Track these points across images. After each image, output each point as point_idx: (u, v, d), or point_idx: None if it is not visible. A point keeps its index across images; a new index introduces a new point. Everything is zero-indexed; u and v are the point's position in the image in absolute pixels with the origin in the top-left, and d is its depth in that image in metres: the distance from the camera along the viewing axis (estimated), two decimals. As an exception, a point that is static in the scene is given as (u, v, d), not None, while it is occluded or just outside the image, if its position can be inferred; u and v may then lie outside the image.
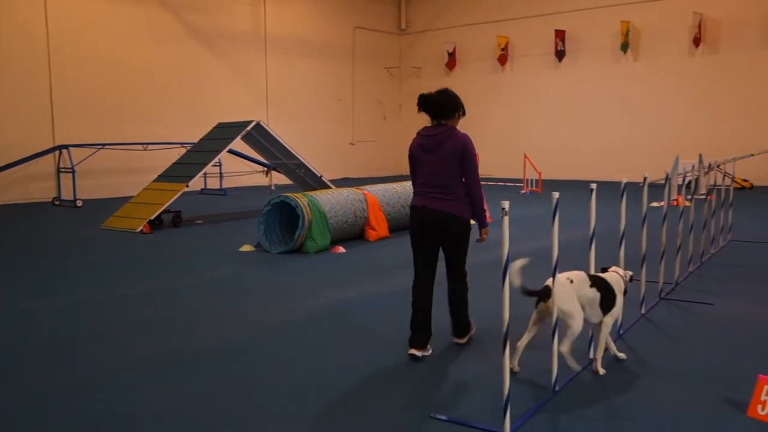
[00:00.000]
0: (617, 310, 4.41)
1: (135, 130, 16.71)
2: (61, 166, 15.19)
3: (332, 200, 9.18)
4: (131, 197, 12.17)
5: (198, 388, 4.10)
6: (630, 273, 4.65)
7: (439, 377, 4.26)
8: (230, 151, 12.37)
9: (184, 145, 15.60)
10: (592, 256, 4.51)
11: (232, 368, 4.45)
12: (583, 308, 4.17)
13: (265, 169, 14.53)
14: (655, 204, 12.70)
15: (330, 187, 12.08)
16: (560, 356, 3.98)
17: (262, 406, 3.83)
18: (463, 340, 4.91)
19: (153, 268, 7.95)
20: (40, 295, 6.52)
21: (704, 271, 7.35)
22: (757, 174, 17.73)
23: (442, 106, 4.71)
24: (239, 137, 12.04)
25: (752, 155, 16.18)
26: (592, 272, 4.43)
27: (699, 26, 18.50)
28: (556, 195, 3.81)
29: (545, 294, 4.05)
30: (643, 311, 5.62)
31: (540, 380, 4.10)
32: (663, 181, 6.19)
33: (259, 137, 12.79)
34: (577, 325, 4.07)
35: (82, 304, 6.17)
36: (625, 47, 19.86)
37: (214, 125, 13.15)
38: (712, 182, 8.62)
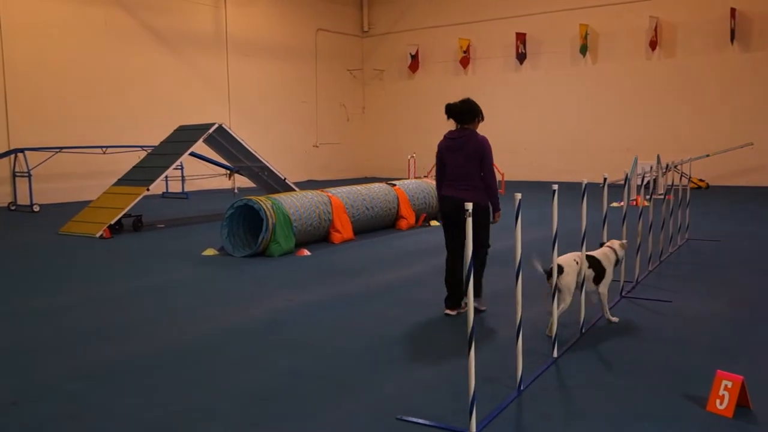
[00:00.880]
0: (607, 279, 5.37)
1: (93, 132, 16.38)
2: (17, 170, 14.79)
3: (296, 203, 9.13)
4: (90, 201, 11.92)
5: (155, 392, 4.03)
6: (624, 241, 5.60)
7: (405, 379, 4.26)
8: (192, 154, 12.20)
9: (145, 148, 15.35)
10: (554, 256, 4.57)
11: (191, 372, 4.39)
12: (583, 282, 5.14)
13: (228, 172, 14.38)
14: (615, 204, 12.93)
15: (294, 190, 12.02)
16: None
17: (221, 410, 3.78)
18: (483, 307, 5.79)
19: (113, 272, 7.80)
20: (-5, 303, 6.34)
21: (663, 270, 7.50)
22: (713, 174, 18.19)
23: (464, 114, 5.70)
24: (201, 140, 11.90)
25: (708, 156, 16.64)
26: (589, 252, 5.25)
27: (655, 30, 18.90)
28: (518, 196, 3.85)
29: (559, 271, 4.91)
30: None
31: (505, 380, 4.14)
32: (622, 182, 6.30)
33: (222, 140, 12.66)
34: (569, 299, 5.04)
35: (37, 311, 6.01)
36: (583, 50, 20.19)
37: (175, 128, 12.98)
38: (669, 182, 8.80)
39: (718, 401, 3.68)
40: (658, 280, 6.97)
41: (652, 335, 5.13)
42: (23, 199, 14.59)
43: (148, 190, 11.03)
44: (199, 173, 17.18)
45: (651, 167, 8.69)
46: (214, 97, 19.79)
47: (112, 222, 10.50)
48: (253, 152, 12.71)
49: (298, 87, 22.64)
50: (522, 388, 4.00)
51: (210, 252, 8.88)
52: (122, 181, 11.69)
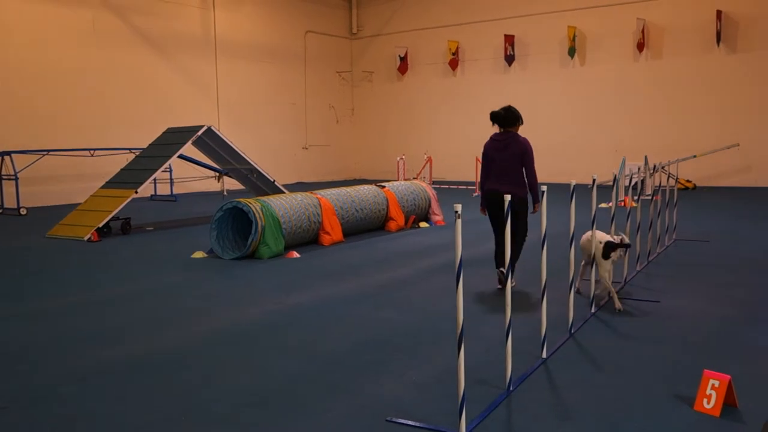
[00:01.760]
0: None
1: (81, 135, 16.30)
2: (3, 173, 14.66)
3: (286, 205, 9.12)
4: (78, 204, 11.86)
5: (147, 396, 4.02)
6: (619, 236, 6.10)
7: (394, 380, 4.26)
8: (181, 157, 12.16)
9: (133, 151, 15.28)
10: (543, 256, 4.59)
11: (182, 375, 4.37)
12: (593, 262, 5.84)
13: (217, 174, 14.34)
14: (603, 205, 13.00)
15: (283, 192, 12.00)
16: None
17: (213, 413, 3.77)
18: (513, 283, 6.32)
19: (101, 276, 7.76)
20: (-18, 307, 6.29)
21: (651, 270, 7.55)
22: (700, 175, 18.33)
23: (507, 119, 6.49)
24: (190, 142, 11.86)
25: (695, 156, 16.77)
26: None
27: (642, 32, 19.02)
28: (507, 197, 3.87)
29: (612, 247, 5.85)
30: (593, 310, 5.74)
31: (495, 381, 4.15)
32: (611, 183, 6.34)
33: (211, 142, 12.62)
34: (611, 268, 5.91)
35: (26, 314, 5.98)
36: (572, 52, 20.29)
37: (163, 130, 12.93)
38: (657, 183, 8.86)
39: (705, 400, 3.71)
40: (646, 281, 7.01)
41: (640, 335, 5.16)
42: (10, 203, 14.49)
43: (136, 192, 10.98)
44: (188, 175, 17.13)
45: (639, 168, 8.75)
46: (202, 99, 19.74)
47: (101, 225, 10.45)
48: (242, 154, 12.69)
49: (287, 89, 22.61)
50: (511, 388, 4.01)
51: (199, 255, 8.86)
52: (110, 184, 11.63)
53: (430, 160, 19.03)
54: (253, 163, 12.85)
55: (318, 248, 9.37)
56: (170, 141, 12.21)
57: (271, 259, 8.54)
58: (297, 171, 22.62)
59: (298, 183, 21.77)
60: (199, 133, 11.90)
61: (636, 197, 7.59)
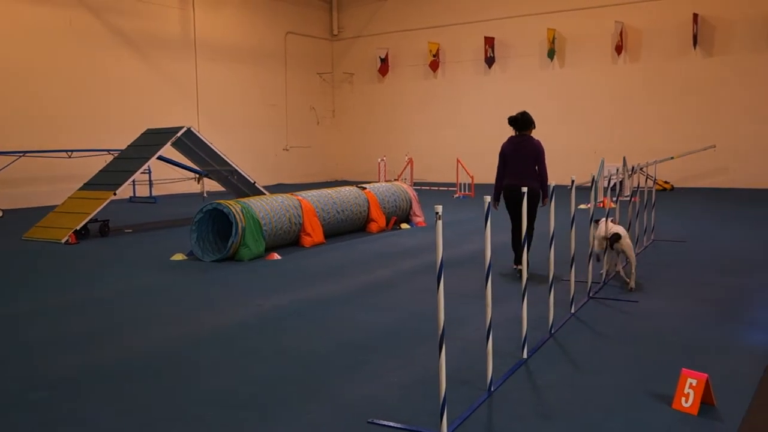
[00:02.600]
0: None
1: (58, 136, 16.09)
2: (-21, 174, 14.48)
3: (266, 207, 9.08)
4: (55, 206, 11.72)
5: (124, 400, 3.97)
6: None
7: (375, 382, 4.26)
8: (160, 158, 12.06)
9: (111, 152, 15.12)
10: (524, 257, 4.62)
11: (161, 379, 4.34)
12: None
13: (197, 176, 14.24)
14: (582, 206, 13.10)
15: (264, 194, 11.94)
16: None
17: (191, 417, 3.74)
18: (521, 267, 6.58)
19: (79, 278, 7.68)
20: (-44, 311, 6.19)
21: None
22: (677, 176, 18.54)
23: (522, 123, 7.42)
24: (169, 143, 11.77)
25: (672, 158, 16.96)
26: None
27: (621, 34, 19.22)
28: (488, 199, 3.88)
29: (617, 238, 6.53)
30: (572, 310, 5.78)
31: (476, 382, 4.17)
32: (590, 184, 6.39)
33: (190, 143, 12.53)
34: (632, 254, 6.66)
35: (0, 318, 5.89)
36: (551, 54, 20.44)
37: (142, 131, 12.82)
38: (635, 184, 8.94)
39: (683, 399, 3.75)
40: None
41: (619, 335, 5.21)
42: (-14, 205, 14.29)
43: (115, 194, 10.87)
44: (168, 177, 17.00)
45: (617, 169, 8.83)
46: (182, 101, 19.60)
47: (78, 227, 10.33)
48: (222, 156, 12.62)
49: (268, 90, 22.53)
50: (492, 389, 4.03)
51: (179, 257, 8.79)
52: (88, 186, 11.50)
53: (411, 161, 19.05)
54: (233, 165, 12.78)
55: (299, 250, 9.35)
56: (149, 142, 12.10)
57: (251, 261, 8.50)
58: (278, 172, 22.53)
59: (278, 184, 21.67)
60: (179, 134, 11.81)
61: (615, 198, 7.66)
